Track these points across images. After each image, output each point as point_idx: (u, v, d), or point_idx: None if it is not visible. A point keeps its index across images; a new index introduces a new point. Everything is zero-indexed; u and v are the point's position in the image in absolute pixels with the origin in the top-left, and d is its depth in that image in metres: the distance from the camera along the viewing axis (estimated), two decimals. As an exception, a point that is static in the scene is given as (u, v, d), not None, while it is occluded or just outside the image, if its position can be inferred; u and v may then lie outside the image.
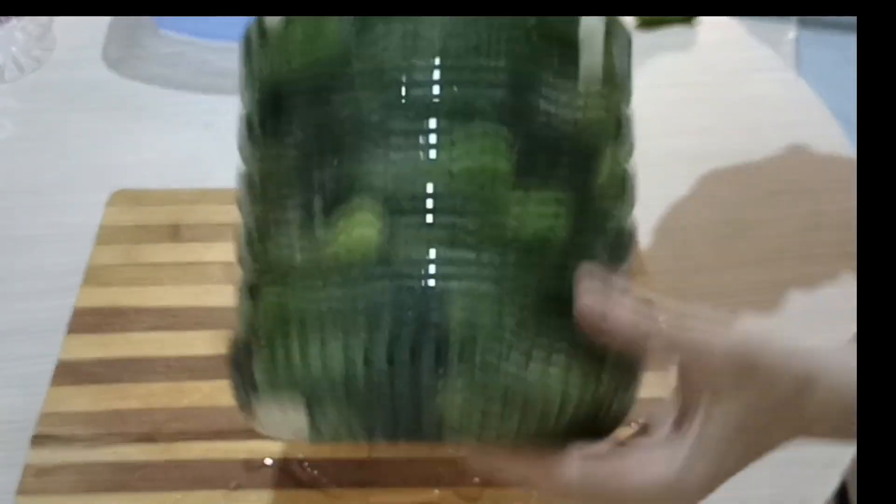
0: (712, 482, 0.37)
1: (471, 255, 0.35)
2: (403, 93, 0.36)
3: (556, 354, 0.35)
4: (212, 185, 0.72)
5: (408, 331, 0.34)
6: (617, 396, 0.38)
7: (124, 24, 0.91)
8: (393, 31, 0.36)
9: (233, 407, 0.56)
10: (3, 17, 0.84)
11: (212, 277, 0.65)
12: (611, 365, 0.37)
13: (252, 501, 0.52)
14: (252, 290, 0.38)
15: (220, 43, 0.88)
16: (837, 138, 0.79)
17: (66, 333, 0.61)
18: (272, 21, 0.39)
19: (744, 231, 0.71)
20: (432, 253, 0.35)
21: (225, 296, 0.63)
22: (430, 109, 0.36)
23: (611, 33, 0.39)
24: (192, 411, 0.56)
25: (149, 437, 0.55)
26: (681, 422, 0.37)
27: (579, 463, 0.37)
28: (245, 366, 0.38)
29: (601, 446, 0.38)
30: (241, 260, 0.40)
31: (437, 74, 0.36)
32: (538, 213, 0.36)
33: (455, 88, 0.36)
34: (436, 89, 0.36)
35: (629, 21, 0.92)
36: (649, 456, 0.37)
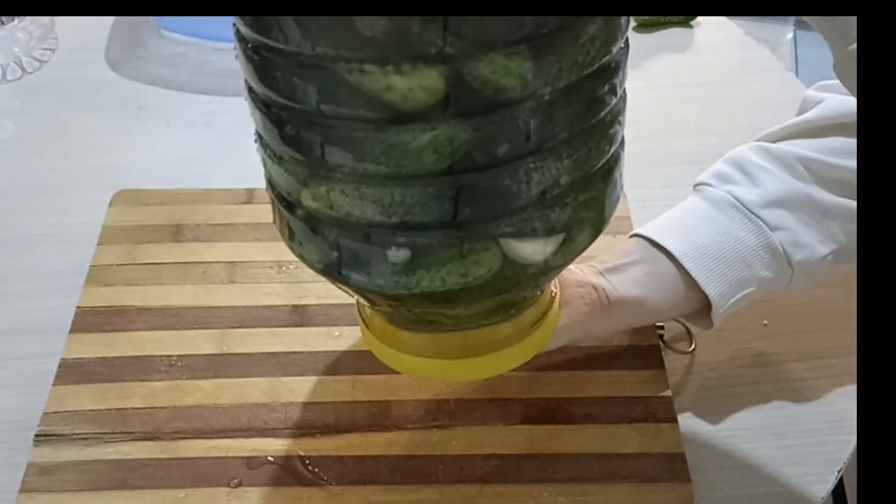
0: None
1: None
2: None
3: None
4: (213, 185, 0.73)
5: None
6: None
7: (126, 25, 0.92)
8: None
9: (235, 405, 0.57)
10: (5, 18, 0.85)
11: (213, 277, 0.65)
12: None
13: (254, 499, 0.52)
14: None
15: (221, 44, 0.88)
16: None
17: (68, 333, 0.61)
18: None
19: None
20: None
21: (226, 295, 0.63)
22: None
23: None
24: (194, 410, 0.57)
25: (151, 436, 0.55)
26: None
27: None
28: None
29: None
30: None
31: None
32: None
33: None
34: None
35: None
36: None
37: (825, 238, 0.56)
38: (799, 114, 0.63)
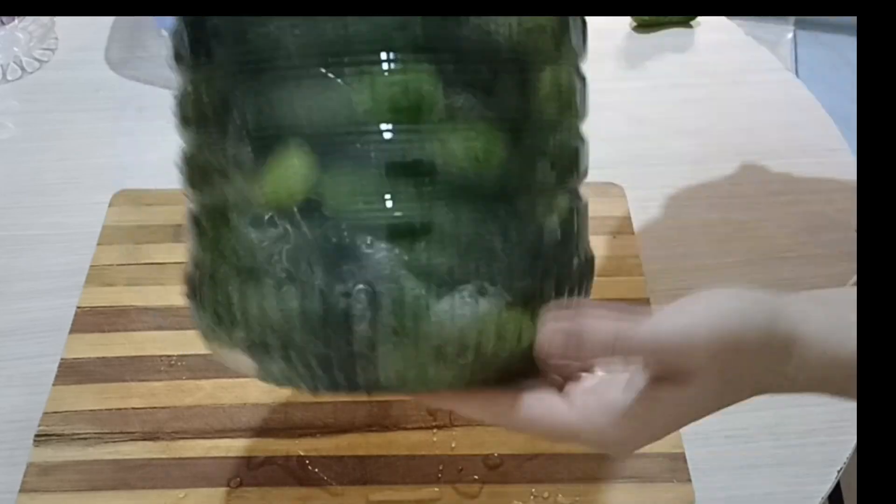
0: (648, 441, 0.37)
1: (404, 194, 0.34)
2: (322, 27, 0.34)
3: (489, 296, 0.34)
4: (213, 185, 0.72)
5: (337, 278, 0.34)
6: None
7: (126, 25, 0.92)
8: None
9: (235, 405, 0.57)
10: (5, 18, 0.85)
11: (213, 277, 0.65)
12: (546, 301, 0.36)
13: (254, 499, 0.52)
14: (196, 223, 0.38)
15: (221, 44, 0.88)
16: (835, 139, 0.80)
17: (68, 333, 0.61)
18: None
19: (743, 231, 0.71)
20: (360, 200, 0.34)
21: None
22: (349, 43, 0.34)
23: None
24: (194, 410, 0.57)
25: (151, 436, 0.55)
26: (638, 384, 0.36)
27: (529, 403, 0.36)
28: (195, 298, 0.38)
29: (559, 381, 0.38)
30: (185, 189, 0.40)
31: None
32: (466, 142, 0.35)
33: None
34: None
35: (628, 23, 0.92)
36: (597, 402, 0.36)
37: None
38: None
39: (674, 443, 0.55)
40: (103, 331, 0.61)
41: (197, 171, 0.38)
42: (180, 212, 0.69)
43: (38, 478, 0.53)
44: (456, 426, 0.56)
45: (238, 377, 0.58)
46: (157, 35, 0.90)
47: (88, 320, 0.62)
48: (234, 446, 0.55)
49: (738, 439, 0.56)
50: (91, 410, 0.56)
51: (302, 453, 0.54)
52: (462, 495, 0.52)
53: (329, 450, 0.55)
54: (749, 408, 0.58)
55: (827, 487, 0.54)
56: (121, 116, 0.82)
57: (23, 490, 0.52)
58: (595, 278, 0.41)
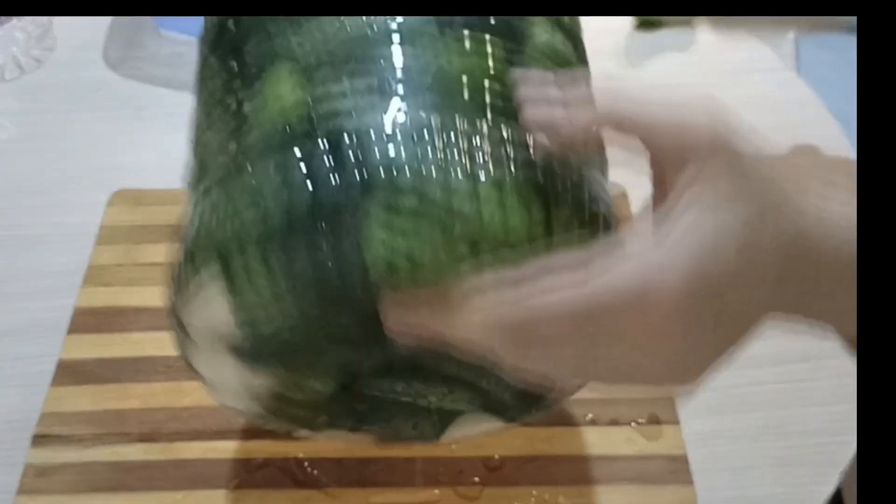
0: (699, 286, 0.28)
1: (392, 95, 0.35)
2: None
3: (485, 177, 0.33)
4: (212, 185, 0.72)
5: (328, 173, 0.33)
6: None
7: (125, 25, 0.91)
8: None
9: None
10: (3, 17, 0.84)
11: (212, 277, 0.65)
12: (549, 192, 0.35)
13: (252, 501, 0.52)
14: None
15: (220, 43, 0.88)
16: (836, 138, 0.79)
17: (66, 333, 0.61)
18: None
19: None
20: (348, 99, 0.35)
21: (225, 296, 0.63)
22: None
23: None
24: (192, 411, 0.56)
25: (149, 437, 0.55)
26: (654, 217, 0.30)
27: (505, 288, 0.30)
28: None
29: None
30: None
31: None
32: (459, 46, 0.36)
33: None
34: None
35: (629, 23, 0.92)
36: (609, 261, 0.28)
37: None
38: None
39: (675, 444, 0.55)
40: (101, 331, 0.61)
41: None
42: (178, 212, 0.69)
43: (35, 479, 0.53)
44: (455, 427, 0.56)
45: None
46: (157, 35, 0.90)
47: (86, 321, 0.62)
48: (233, 448, 0.54)
49: (740, 440, 0.56)
50: (89, 411, 0.56)
51: (301, 455, 0.54)
52: (462, 497, 0.52)
53: (328, 452, 0.54)
54: (750, 408, 0.58)
55: (829, 488, 0.54)
56: (119, 116, 0.81)
57: (20, 491, 0.52)
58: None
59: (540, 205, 0.34)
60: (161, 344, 0.60)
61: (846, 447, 0.56)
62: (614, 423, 0.56)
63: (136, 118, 0.81)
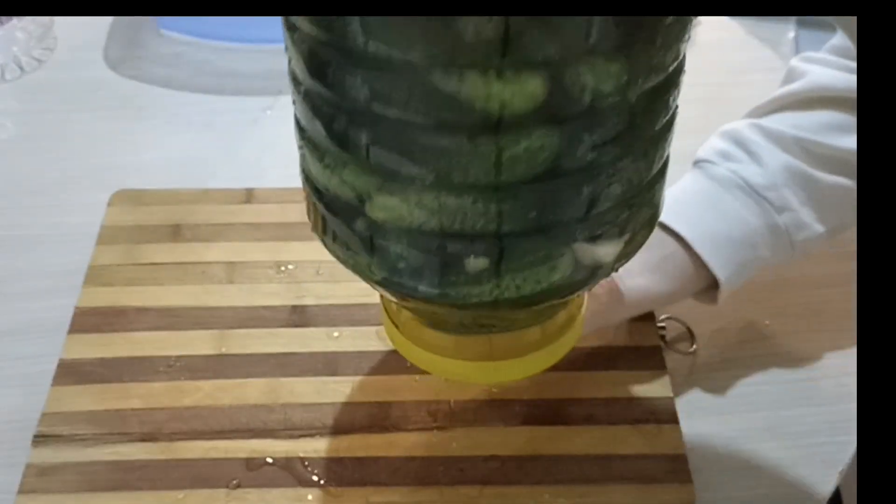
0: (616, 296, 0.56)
1: None
2: None
3: None
4: (212, 184, 0.72)
5: None
6: None
7: (125, 25, 0.91)
8: None
9: (234, 406, 0.56)
10: (3, 17, 0.84)
11: (212, 277, 0.65)
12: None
13: (253, 500, 0.52)
14: None
15: (220, 43, 0.88)
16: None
17: (67, 333, 0.61)
18: None
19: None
20: None
21: (225, 295, 0.63)
22: None
23: None
24: (193, 411, 0.56)
25: (150, 437, 0.55)
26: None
27: None
28: None
29: None
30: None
31: None
32: None
33: None
34: None
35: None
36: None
37: (821, 216, 0.58)
38: (784, 83, 0.64)
39: (675, 444, 0.55)
40: (102, 331, 0.61)
41: None
42: (179, 212, 0.69)
43: (36, 479, 0.53)
44: (456, 427, 0.56)
45: (237, 378, 0.58)
46: (157, 35, 0.90)
47: (87, 320, 0.62)
48: (233, 447, 0.55)
49: (740, 440, 0.56)
50: (90, 411, 0.56)
51: (301, 454, 0.54)
52: (462, 497, 0.52)
53: (328, 451, 0.54)
54: (749, 408, 0.58)
55: (828, 489, 0.54)
56: (120, 116, 0.81)
57: (21, 491, 0.52)
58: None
59: None
60: (162, 344, 0.60)
61: (846, 447, 0.56)
62: (614, 422, 0.56)
63: (137, 118, 0.81)
